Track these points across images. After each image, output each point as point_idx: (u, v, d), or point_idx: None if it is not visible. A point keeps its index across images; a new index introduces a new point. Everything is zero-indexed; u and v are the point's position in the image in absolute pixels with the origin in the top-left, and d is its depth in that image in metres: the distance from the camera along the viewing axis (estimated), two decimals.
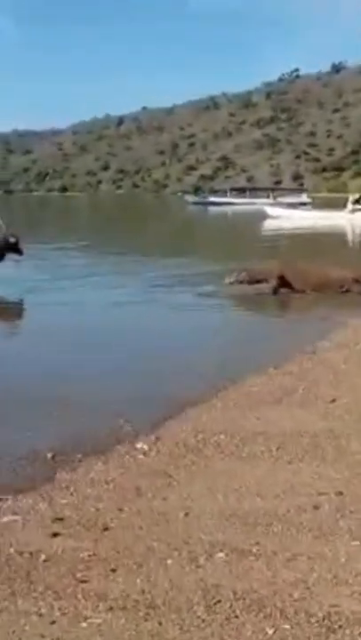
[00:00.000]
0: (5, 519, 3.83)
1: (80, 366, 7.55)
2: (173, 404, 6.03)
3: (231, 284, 12.60)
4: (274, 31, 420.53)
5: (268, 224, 39.71)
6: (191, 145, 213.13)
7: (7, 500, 4.08)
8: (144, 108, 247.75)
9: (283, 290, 12.52)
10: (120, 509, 3.91)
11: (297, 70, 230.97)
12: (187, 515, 3.81)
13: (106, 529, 3.66)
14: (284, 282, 12.55)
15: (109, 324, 10.28)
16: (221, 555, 3.32)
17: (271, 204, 52.44)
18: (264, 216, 44.76)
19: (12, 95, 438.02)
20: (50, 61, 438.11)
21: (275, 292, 12.44)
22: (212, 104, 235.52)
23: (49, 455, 4.78)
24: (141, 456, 4.79)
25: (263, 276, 12.68)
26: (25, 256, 13.89)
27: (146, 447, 4.94)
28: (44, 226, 38.88)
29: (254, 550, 3.35)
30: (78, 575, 3.13)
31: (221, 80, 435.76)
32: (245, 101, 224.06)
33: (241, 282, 12.59)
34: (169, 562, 3.26)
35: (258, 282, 12.60)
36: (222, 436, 5.13)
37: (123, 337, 9.38)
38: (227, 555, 3.32)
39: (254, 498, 4.01)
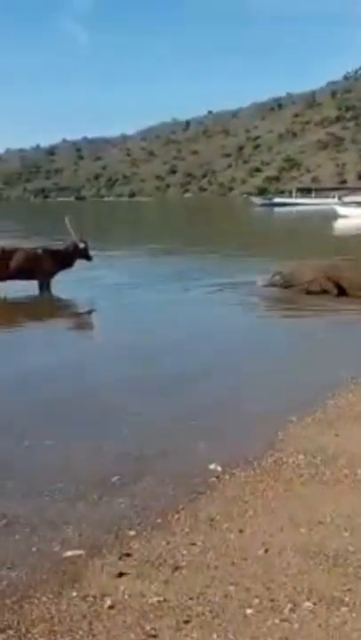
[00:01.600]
0: (69, 553, 3.52)
1: (143, 378, 7.14)
2: (245, 419, 5.62)
3: (265, 286, 12.09)
4: (338, 29, 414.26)
5: (340, 224, 38.80)
6: (256, 147, 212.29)
7: (72, 529, 3.77)
8: (210, 112, 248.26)
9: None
10: (192, 543, 3.55)
11: None
12: (266, 551, 3.42)
13: (177, 568, 3.30)
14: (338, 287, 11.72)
15: (180, 334, 9.75)
16: (308, 604, 2.91)
17: (342, 204, 51.19)
18: (333, 216, 43.81)
19: (82, 103, 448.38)
20: (119, 68, 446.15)
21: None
22: (276, 105, 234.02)
23: (114, 479, 4.43)
24: (214, 479, 4.40)
25: (297, 280, 12.00)
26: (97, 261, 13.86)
27: (219, 469, 4.55)
28: (115, 231, 38.96)
29: (346, 599, 2.94)
30: (147, 627, 2.78)
31: (286, 81, 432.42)
32: (310, 101, 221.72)
33: (274, 285, 12.08)
34: (249, 612, 2.88)
35: (291, 285, 11.98)
36: (301, 457, 4.71)
37: (189, 346, 8.88)
38: (314, 604, 2.92)
39: (342, 532, 3.59)
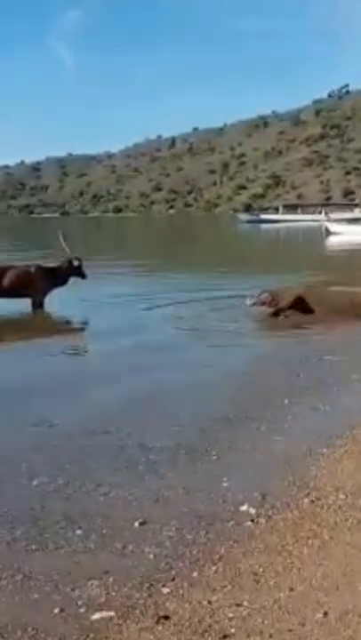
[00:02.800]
0: (98, 615, 3.07)
1: (154, 408, 6.69)
2: (270, 452, 5.19)
3: (253, 305, 11.80)
4: (322, 48, 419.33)
5: (332, 241, 38.69)
6: (242, 164, 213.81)
7: (96, 584, 3.32)
8: (195, 129, 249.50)
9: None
10: (238, 604, 3.10)
11: (347, 86, 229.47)
12: (326, 615, 2.99)
13: (225, 636, 2.86)
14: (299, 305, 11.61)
15: (185, 355, 9.36)
16: None
17: (332, 221, 51.16)
18: (323, 232, 43.71)
19: (67, 119, 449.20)
20: (103, 87, 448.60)
21: (277, 314, 11.56)
22: (261, 123, 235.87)
23: (137, 524, 3.98)
24: (249, 523, 3.97)
25: (282, 300, 11.72)
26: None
27: (253, 511, 4.12)
28: (102, 246, 38.48)
29: None
30: None
31: (271, 99, 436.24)
32: (295, 119, 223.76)
33: (263, 303, 11.78)
34: None
35: (277, 305, 11.68)
36: (341, 496, 4.28)
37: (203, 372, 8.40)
38: None
39: None
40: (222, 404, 6.45)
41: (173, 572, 3.43)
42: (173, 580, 3.36)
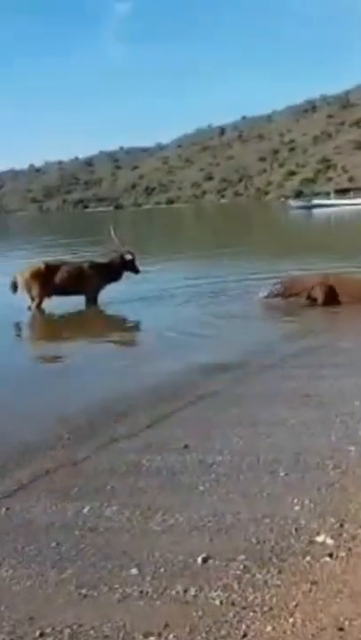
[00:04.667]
0: None
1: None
2: (350, 468, 4.63)
3: (266, 297, 11.43)
4: None
5: None
6: (291, 150, 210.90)
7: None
8: (244, 117, 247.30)
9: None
10: None
11: None
12: None
13: None
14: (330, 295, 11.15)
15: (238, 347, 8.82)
16: None
17: None
18: None
19: (118, 113, 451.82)
20: (153, 79, 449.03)
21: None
22: (310, 107, 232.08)
23: (199, 559, 3.50)
24: (327, 559, 3.44)
25: (299, 289, 11.37)
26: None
27: (330, 542, 3.59)
28: (157, 238, 38.22)
29: None
30: None
31: (319, 82, 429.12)
32: (344, 102, 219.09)
33: (276, 295, 11.41)
34: None
35: (292, 295, 11.37)
36: None
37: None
38: None
39: None
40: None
41: (244, 627, 2.93)
42: (245, 637, 2.87)
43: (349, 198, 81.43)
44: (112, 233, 13.23)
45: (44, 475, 4.73)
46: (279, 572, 3.34)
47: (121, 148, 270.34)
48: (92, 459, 5.01)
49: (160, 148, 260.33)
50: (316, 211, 69.40)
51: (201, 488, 4.39)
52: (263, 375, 7.30)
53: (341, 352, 8.21)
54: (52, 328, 11.44)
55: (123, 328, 11.15)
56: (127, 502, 4.21)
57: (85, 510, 4.14)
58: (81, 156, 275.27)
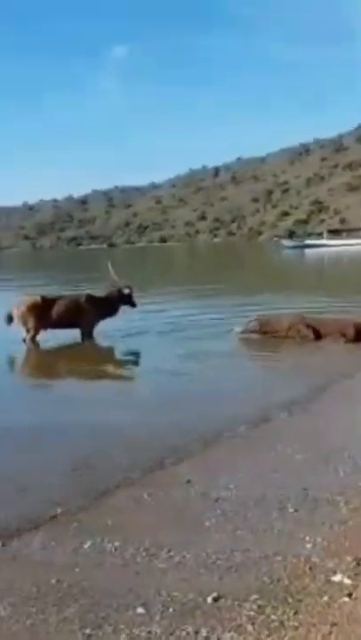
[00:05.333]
0: None
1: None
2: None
3: (243, 332, 11.81)
4: None
5: None
6: (285, 191, 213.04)
7: None
8: (238, 159, 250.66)
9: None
10: None
11: None
12: None
13: None
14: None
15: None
16: None
17: None
18: None
19: (112, 153, 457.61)
20: (148, 118, 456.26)
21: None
22: (303, 150, 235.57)
23: (210, 599, 3.31)
24: (346, 599, 3.26)
25: (274, 327, 11.74)
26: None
27: (348, 582, 3.40)
28: (148, 276, 38.22)
29: None
30: None
31: (312, 127, 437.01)
32: (337, 145, 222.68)
33: (252, 331, 11.78)
34: None
35: (266, 332, 11.72)
36: None
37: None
38: None
39: None
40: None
41: None
42: None
43: (342, 239, 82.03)
44: (110, 267, 13.16)
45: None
46: (295, 612, 3.15)
47: (115, 187, 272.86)
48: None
49: (154, 187, 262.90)
50: (308, 251, 69.73)
51: (207, 524, 4.21)
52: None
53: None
54: (44, 361, 11.26)
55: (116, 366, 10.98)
56: (129, 538, 4.02)
57: (86, 546, 3.96)
58: (75, 194, 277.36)
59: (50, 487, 4.93)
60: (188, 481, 4.94)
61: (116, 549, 3.89)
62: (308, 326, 11.52)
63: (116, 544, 3.95)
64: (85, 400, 8.09)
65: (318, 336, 11.42)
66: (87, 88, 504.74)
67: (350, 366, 9.52)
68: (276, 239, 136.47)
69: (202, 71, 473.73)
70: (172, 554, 3.81)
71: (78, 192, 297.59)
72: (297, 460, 5.35)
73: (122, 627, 3.12)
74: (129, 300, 12.70)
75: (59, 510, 4.48)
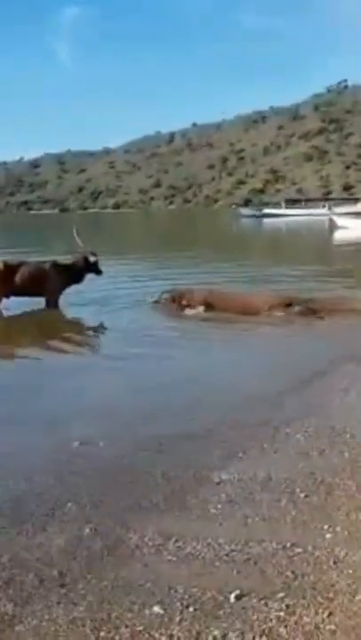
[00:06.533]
0: None
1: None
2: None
3: (156, 302, 11.89)
4: (321, 44, 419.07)
5: (340, 235, 37.68)
6: (241, 159, 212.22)
7: None
8: (194, 125, 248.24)
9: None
10: None
11: (345, 81, 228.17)
12: None
13: None
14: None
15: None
16: None
17: (338, 215, 50.12)
18: (328, 226, 42.95)
19: (65, 116, 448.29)
20: (102, 82, 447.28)
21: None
22: (260, 118, 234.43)
23: (232, 597, 3.04)
24: None
25: (186, 300, 11.60)
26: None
27: None
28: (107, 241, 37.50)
29: None
30: None
31: (269, 95, 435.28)
32: (293, 114, 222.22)
33: (163, 302, 11.85)
34: None
35: (180, 304, 11.59)
36: None
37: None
38: None
39: None
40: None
41: None
42: None
43: (300, 209, 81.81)
44: (75, 234, 12.68)
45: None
46: (330, 614, 2.91)
47: (68, 151, 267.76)
48: None
49: (107, 152, 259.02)
50: (266, 220, 69.47)
51: (213, 511, 3.95)
52: None
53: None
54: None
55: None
56: (131, 526, 3.74)
57: (86, 531, 3.66)
58: (26, 157, 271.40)
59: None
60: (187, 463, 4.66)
61: (125, 540, 3.59)
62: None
63: (120, 532, 3.66)
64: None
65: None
66: (37, 49, 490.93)
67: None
68: (233, 207, 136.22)
69: (155, 35, 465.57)
70: (180, 544, 3.54)
71: (29, 155, 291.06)
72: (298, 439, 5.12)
73: (139, 629, 2.84)
74: (95, 268, 12.28)
75: None
